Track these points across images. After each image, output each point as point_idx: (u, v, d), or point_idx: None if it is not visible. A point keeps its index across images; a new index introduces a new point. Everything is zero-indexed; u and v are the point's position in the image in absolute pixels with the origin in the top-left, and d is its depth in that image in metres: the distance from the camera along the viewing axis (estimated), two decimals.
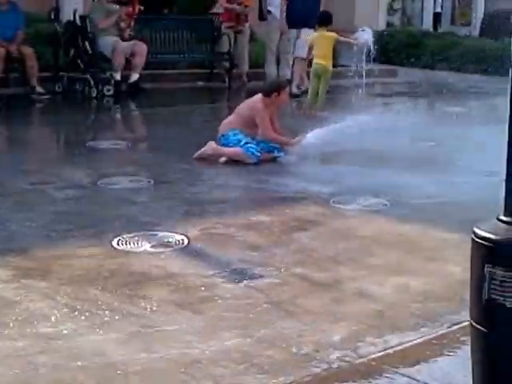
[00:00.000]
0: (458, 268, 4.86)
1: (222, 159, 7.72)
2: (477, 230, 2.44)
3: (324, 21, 11.80)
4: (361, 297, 4.46)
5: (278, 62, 14.26)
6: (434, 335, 3.92)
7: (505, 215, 2.37)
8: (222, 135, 7.94)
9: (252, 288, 4.53)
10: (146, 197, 6.55)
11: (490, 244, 2.40)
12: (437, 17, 25.15)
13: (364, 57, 11.91)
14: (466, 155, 8.17)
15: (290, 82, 13.92)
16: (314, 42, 11.61)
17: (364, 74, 11.94)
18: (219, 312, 4.20)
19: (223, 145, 7.88)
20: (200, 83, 14.14)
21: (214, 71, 14.47)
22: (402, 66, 18.20)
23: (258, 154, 7.78)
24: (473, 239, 2.45)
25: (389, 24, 22.11)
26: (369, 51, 11.76)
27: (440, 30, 23.62)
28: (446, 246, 5.36)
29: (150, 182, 6.96)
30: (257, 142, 7.94)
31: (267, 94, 8.03)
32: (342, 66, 14.26)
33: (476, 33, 22.58)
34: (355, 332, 3.97)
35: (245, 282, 4.62)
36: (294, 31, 13.64)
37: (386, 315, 4.21)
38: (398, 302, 4.40)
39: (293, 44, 13.67)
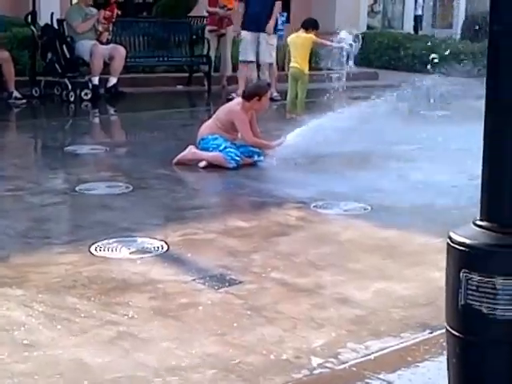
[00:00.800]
0: (439, 273, 4.81)
1: (202, 164, 7.67)
2: (452, 235, 2.41)
3: (306, 24, 11.69)
4: (341, 302, 4.43)
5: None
6: (414, 341, 3.89)
7: (481, 220, 2.34)
8: (202, 139, 7.89)
9: (232, 294, 4.49)
10: (125, 202, 6.49)
11: (465, 249, 2.37)
12: (417, 19, 25.23)
13: (344, 59, 11.89)
14: (448, 159, 8.16)
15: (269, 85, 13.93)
16: (290, 43, 11.56)
17: (345, 77, 11.92)
18: (198, 318, 4.15)
19: (203, 149, 7.83)
20: (179, 87, 14.09)
21: (194, 75, 14.43)
22: (383, 68, 18.23)
23: (238, 158, 7.74)
24: (448, 244, 2.41)
25: (369, 27, 22.17)
26: (348, 54, 11.74)
27: (421, 33, 23.70)
28: (428, 250, 5.34)
29: (128, 187, 6.89)
30: (236, 146, 7.90)
31: (247, 97, 7.99)
32: (322, 68, 14.24)
33: (457, 35, 22.64)
34: (336, 338, 3.94)
35: (224, 288, 4.57)
36: (248, 34, 13.34)
37: (367, 321, 4.18)
38: (379, 308, 4.37)
39: (245, 48, 13.36)
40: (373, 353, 3.76)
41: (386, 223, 5.98)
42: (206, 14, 14.48)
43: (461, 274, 2.46)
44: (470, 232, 2.35)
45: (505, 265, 2.35)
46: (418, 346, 3.82)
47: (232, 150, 7.77)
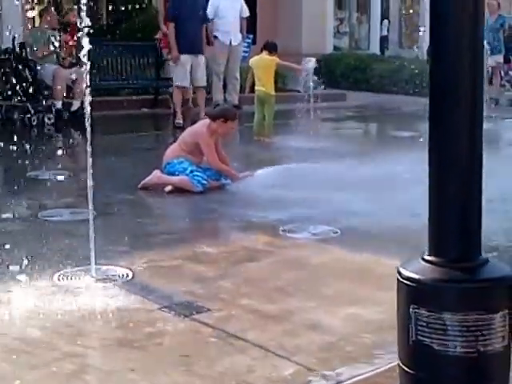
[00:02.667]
0: None
1: (168, 188, 7.54)
2: (401, 270, 2.33)
3: (268, 47, 11.70)
4: (312, 328, 4.33)
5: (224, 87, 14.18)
6: (387, 366, 3.79)
7: (429, 255, 2.26)
8: (168, 163, 7.78)
9: (199, 322, 4.37)
10: (89, 229, 6.31)
11: (414, 284, 2.29)
12: (384, 40, 25.39)
13: (311, 81, 11.90)
14: (417, 180, 8.07)
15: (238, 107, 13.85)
16: (254, 66, 11.53)
17: (312, 99, 11.92)
18: (165, 348, 4.03)
19: (169, 173, 7.71)
20: (145, 109, 13.98)
21: (159, 97, 14.33)
22: (350, 89, 18.28)
23: (205, 182, 7.63)
24: (398, 279, 2.33)
25: (336, 48, 22.26)
26: (314, 76, 11.76)
27: (387, 54, 23.84)
28: None
29: (92, 213, 6.71)
30: (203, 169, 7.79)
31: (214, 118, 7.89)
32: (290, 90, 14.22)
33: (424, 56, 22.77)
34: (307, 365, 3.84)
35: (191, 316, 4.45)
36: (186, 57, 13.05)
37: (338, 347, 4.09)
38: (350, 333, 4.28)
39: (185, 71, 13.04)
40: (345, 380, 3.66)
41: (356, 247, 5.89)
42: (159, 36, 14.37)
43: (410, 310, 2.40)
44: (419, 267, 2.27)
45: (453, 300, 2.29)
46: (390, 371, 3.71)
47: (198, 173, 7.66)
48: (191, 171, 7.64)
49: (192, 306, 4.60)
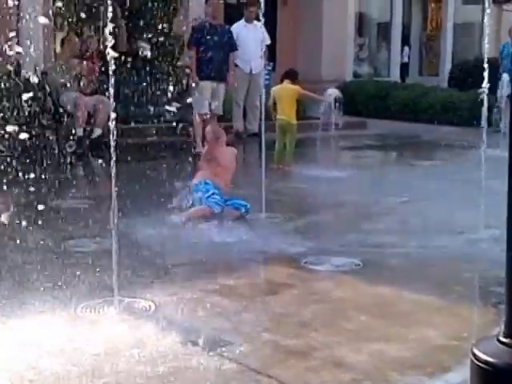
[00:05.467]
0: (434, 332, 4.74)
1: (183, 219, 7.52)
2: (477, 352, 2.18)
3: (289, 75, 11.75)
4: (336, 365, 4.29)
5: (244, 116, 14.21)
6: None
7: (505, 336, 2.13)
8: (192, 186, 7.84)
9: (222, 357, 4.34)
10: (111, 260, 6.29)
11: (491, 369, 2.13)
12: (404, 67, 25.37)
13: (332, 109, 11.91)
14: (439, 212, 8.06)
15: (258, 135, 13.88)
16: (276, 95, 11.55)
17: (333, 127, 11.93)
18: (188, 383, 4.00)
19: (193, 195, 7.77)
20: (165, 137, 14.00)
21: (180, 125, 14.36)
22: (370, 117, 18.25)
23: (222, 204, 7.66)
24: (472, 361, 2.18)
25: (356, 74, 22.23)
26: (335, 106, 11.77)
27: (408, 81, 23.81)
28: (422, 308, 5.23)
29: (115, 243, 6.70)
30: (224, 199, 7.82)
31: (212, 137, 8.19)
32: (310, 118, 14.22)
33: (445, 83, 22.75)
34: None
35: (214, 350, 4.42)
36: (207, 84, 13.07)
37: None
38: (374, 370, 4.23)
39: (205, 99, 13.03)
40: None
41: (378, 279, 5.85)
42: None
43: None
44: (495, 350, 2.12)
45: None
46: None
47: (216, 196, 7.70)
48: (213, 193, 7.68)
49: (215, 339, 4.58)
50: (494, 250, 6.80)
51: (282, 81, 11.80)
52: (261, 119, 13.64)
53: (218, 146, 8.03)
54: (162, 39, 15.39)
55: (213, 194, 7.70)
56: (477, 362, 2.10)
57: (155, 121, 14.30)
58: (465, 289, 5.77)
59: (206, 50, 12.78)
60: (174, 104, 13.21)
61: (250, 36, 14.00)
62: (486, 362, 2.07)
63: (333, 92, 11.95)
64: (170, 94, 13.72)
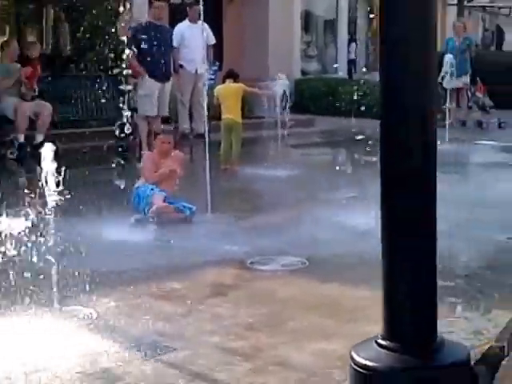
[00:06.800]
0: (379, 328, 4.69)
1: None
2: (355, 356, 2.06)
3: (231, 75, 11.70)
4: (281, 365, 4.24)
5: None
6: None
7: (383, 339, 2.02)
8: (133, 190, 7.76)
9: (164, 363, 4.27)
10: (50, 271, 6.13)
11: (369, 372, 1.98)
12: (351, 64, 25.44)
13: (279, 107, 11.86)
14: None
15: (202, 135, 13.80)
16: (220, 94, 11.47)
17: (280, 125, 11.87)
18: None
19: (133, 198, 7.68)
20: (110, 141, 13.81)
21: (124, 128, 14.17)
22: (318, 114, 18.22)
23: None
24: (351, 365, 2.04)
25: (304, 72, 22.21)
26: (285, 101, 11.71)
27: (355, 77, 23.85)
28: (368, 305, 5.17)
29: (59, 250, 6.54)
30: (168, 201, 7.74)
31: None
32: (256, 116, 14.15)
33: None
34: None
35: (157, 356, 4.34)
36: (154, 85, 12.73)
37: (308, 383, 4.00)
38: (320, 369, 4.19)
39: (152, 101, 12.67)
40: None
41: (324, 277, 5.81)
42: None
43: None
44: (373, 353, 1.99)
45: None
46: None
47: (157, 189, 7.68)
48: (151, 189, 7.64)
49: (157, 345, 4.50)
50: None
51: (224, 81, 11.75)
52: (206, 119, 13.66)
53: (165, 158, 7.98)
54: (106, 42, 15.23)
55: (152, 189, 7.66)
56: (354, 366, 2.00)
57: (99, 124, 14.12)
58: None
59: (150, 51, 12.64)
60: (119, 106, 13.09)
61: (195, 36, 13.84)
62: (363, 366, 1.97)
63: (282, 84, 11.87)
64: (114, 97, 13.58)
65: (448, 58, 15.68)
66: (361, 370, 1.94)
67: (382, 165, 1.95)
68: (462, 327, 4.55)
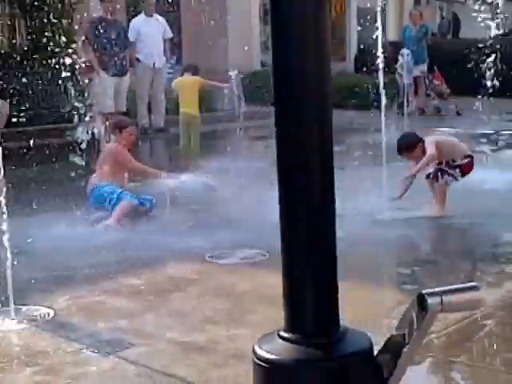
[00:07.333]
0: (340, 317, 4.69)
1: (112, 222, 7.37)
2: (257, 349, 1.98)
3: (189, 68, 11.66)
4: (239, 358, 4.21)
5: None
6: None
7: (285, 330, 1.95)
8: (93, 188, 7.65)
9: (122, 359, 4.23)
10: (7, 268, 6.06)
11: (269, 365, 1.88)
12: None
13: (237, 100, 11.84)
14: (343, 198, 8.00)
15: (163, 131, 13.74)
16: (178, 87, 11.42)
17: (239, 117, 11.85)
18: None
19: (96, 197, 7.58)
20: (67, 138, 13.68)
21: (80, 125, 14.05)
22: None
23: (137, 198, 7.58)
24: (253, 360, 1.95)
25: (264, 64, 22.17)
26: (240, 94, 11.71)
27: None
28: None
29: (13, 250, 6.46)
30: (128, 193, 7.69)
31: (114, 133, 8.12)
32: (215, 110, 14.12)
33: (351, 68, 22.89)
34: None
35: (115, 353, 4.31)
36: (109, 80, 12.70)
37: None
38: None
39: (108, 97, 12.61)
40: None
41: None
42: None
43: None
44: (274, 345, 1.92)
45: (310, 381, 1.87)
46: None
47: (127, 193, 7.60)
48: (120, 192, 7.54)
49: (115, 342, 4.47)
50: (393, 232, 6.85)
51: (182, 75, 11.70)
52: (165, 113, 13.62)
53: (116, 146, 7.92)
54: (62, 37, 15.08)
55: (121, 192, 7.58)
56: (256, 360, 1.95)
57: (57, 121, 13.99)
58: (371, 272, 5.78)
59: (103, 47, 12.55)
60: (76, 103, 12.98)
61: (151, 30, 13.84)
62: (265, 359, 1.92)
63: (234, 75, 11.86)
64: (70, 93, 13.45)
65: (404, 51, 15.75)
66: (263, 364, 1.88)
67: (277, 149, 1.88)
68: None
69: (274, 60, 1.83)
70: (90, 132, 13.51)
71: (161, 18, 14.31)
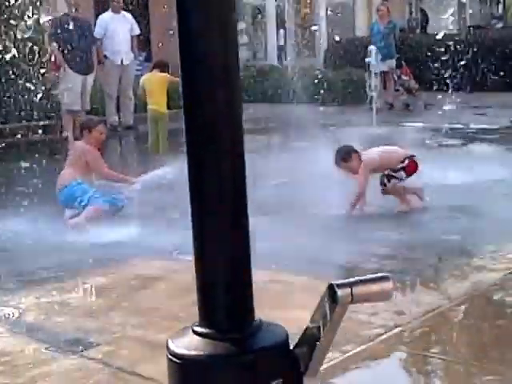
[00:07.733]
0: (305, 312, 4.67)
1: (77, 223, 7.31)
2: (170, 344, 1.94)
3: (158, 65, 11.61)
4: None
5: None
6: None
7: (199, 325, 1.91)
8: (65, 186, 7.59)
9: (87, 359, 4.20)
10: None
11: (181, 361, 1.83)
12: (281, 50, 25.49)
13: None
14: (317, 193, 8.00)
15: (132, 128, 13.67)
16: (145, 84, 11.37)
17: None
18: None
19: (67, 195, 7.53)
20: (35, 136, 13.57)
21: (48, 123, 13.96)
22: (249, 102, 18.19)
23: (110, 201, 7.58)
24: (167, 356, 1.91)
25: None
26: None
27: (285, 63, 23.90)
28: (293, 290, 5.18)
29: None
30: (100, 194, 7.64)
31: (82, 134, 8.01)
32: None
33: (320, 64, 22.92)
34: None
35: (79, 352, 4.27)
36: (77, 78, 12.74)
37: None
38: None
39: (76, 94, 12.66)
40: None
41: (253, 263, 5.75)
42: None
43: None
44: (188, 340, 1.86)
45: (222, 377, 1.77)
46: None
47: (98, 196, 7.54)
48: (92, 194, 7.51)
49: (81, 341, 4.43)
50: (364, 227, 6.86)
51: (151, 71, 11.65)
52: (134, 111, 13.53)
53: (88, 147, 7.86)
54: (28, 34, 14.96)
55: (93, 193, 7.54)
56: (170, 356, 1.90)
57: (23, 120, 13.87)
58: (338, 267, 5.79)
59: (69, 44, 12.46)
60: (43, 101, 12.88)
61: (118, 27, 13.76)
62: (178, 355, 1.88)
63: None
64: (37, 92, 13.34)
65: (372, 47, 15.78)
66: (176, 360, 1.83)
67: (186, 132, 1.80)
68: (384, 308, 4.59)
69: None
70: (58, 131, 13.48)
71: (128, 15, 14.24)
